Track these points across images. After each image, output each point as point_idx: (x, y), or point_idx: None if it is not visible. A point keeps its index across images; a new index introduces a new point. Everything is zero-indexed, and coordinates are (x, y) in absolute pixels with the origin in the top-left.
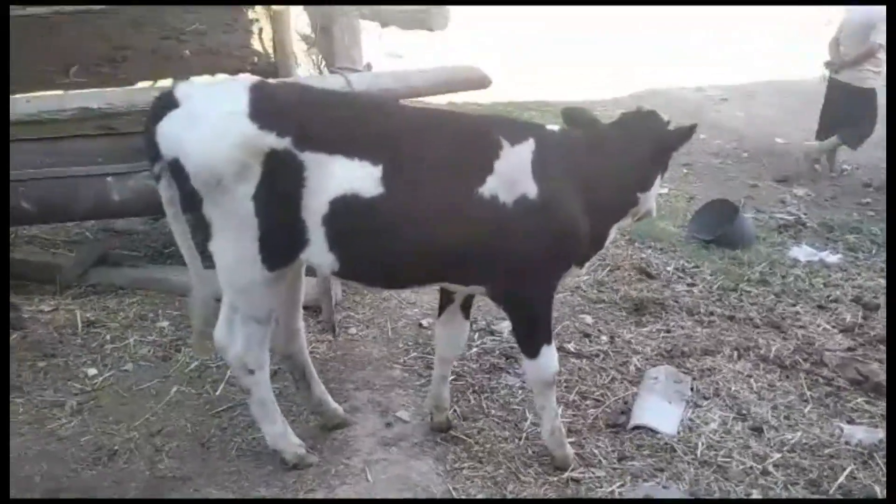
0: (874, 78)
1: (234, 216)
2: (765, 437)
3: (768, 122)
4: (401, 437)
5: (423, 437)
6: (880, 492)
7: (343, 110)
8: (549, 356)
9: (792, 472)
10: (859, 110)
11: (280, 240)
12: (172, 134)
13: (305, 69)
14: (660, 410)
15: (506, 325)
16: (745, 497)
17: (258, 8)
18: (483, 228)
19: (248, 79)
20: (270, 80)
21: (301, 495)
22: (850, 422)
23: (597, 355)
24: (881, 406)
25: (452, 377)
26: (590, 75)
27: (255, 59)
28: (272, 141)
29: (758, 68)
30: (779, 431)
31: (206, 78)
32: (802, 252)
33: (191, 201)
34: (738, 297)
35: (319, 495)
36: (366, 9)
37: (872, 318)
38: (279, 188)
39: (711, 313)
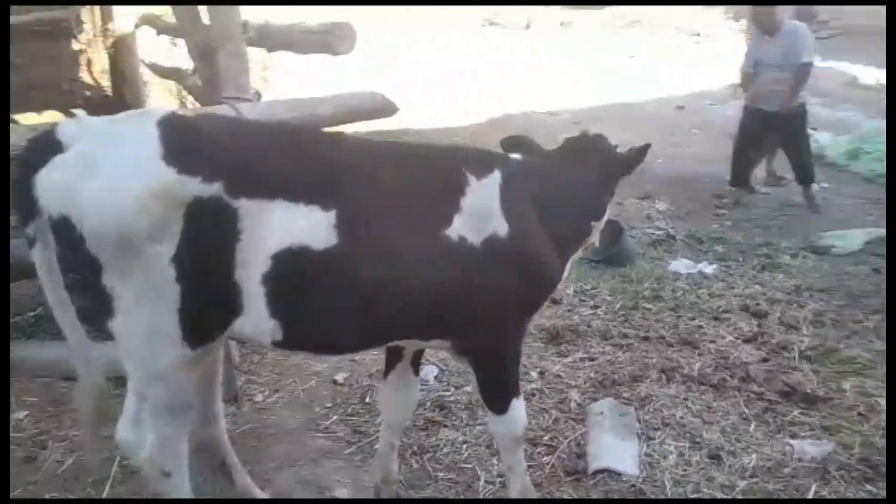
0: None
1: (147, 285)
2: (724, 464)
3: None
4: None
5: None
6: None
7: (283, 145)
8: (519, 410)
9: (760, 496)
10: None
11: (207, 310)
12: (59, 185)
13: (161, 101)
14: (615, 449)
15: (429, 371)
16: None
17: (86, 37)
18: (452, 275)
19: (154, 111)
20: (182, 112)
21: None
22: (794, 436)
23: (533, 394)
24: (816, 416)
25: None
26: (450, 101)
27: (88, 92)
28: (196, 188)
29: (605, 92)
30: (735, 456)
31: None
32: (682, 265)
33: (85, 270)
34: (641, 315)
35: None
36: (254, 32)
37: (766, 326)
38: (206, 245)
39: (625, 335)
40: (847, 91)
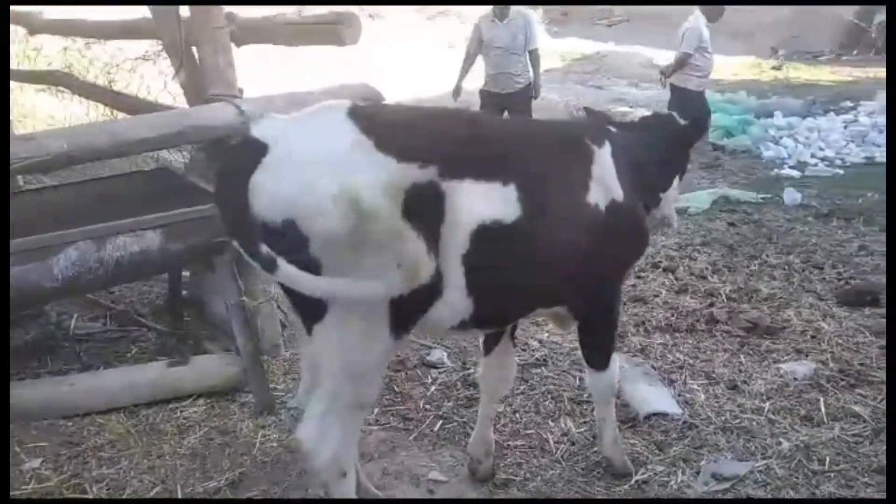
0: (692, 79)
1: (372, 272)
2: (744, 391)
3: None
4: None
5: (478, 493)
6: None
7: (460, 128)
8: (616, 365)
9: (786, 414)
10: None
11: (415, 297)
12: (279, 188)
13: None
14: (655, 394)
15: (440, 354)
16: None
17: None
18: (591, 239)
19: (336, 105)
20: (357, 103)
21: None
22: (776, 361)
23: (545, 361)
24: (783, 343)
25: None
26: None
27: None
28: (415, 174)
29: (438, 83)
30: (748, 384)
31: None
32: None
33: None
34: None
35: None
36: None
37: (683, 278)
38: (419, 229)
39: None
40: (646, 71)
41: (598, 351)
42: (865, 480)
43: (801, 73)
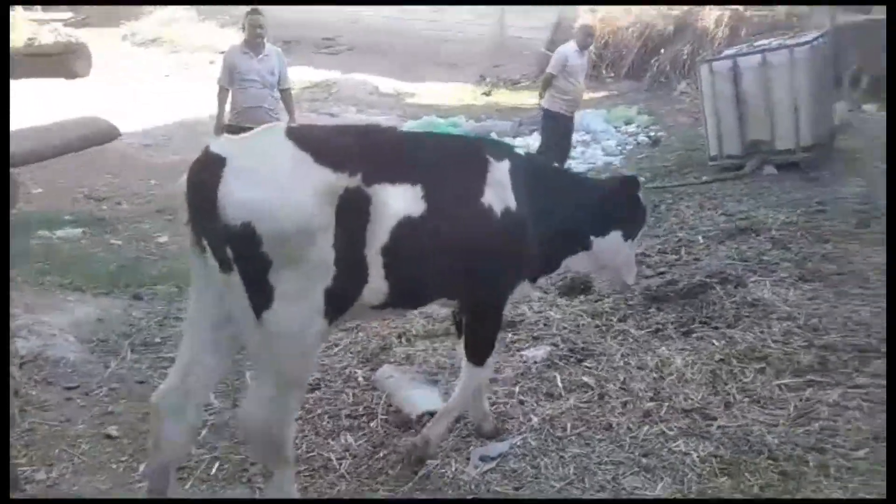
0: (557, 102)
1: (309, 271)
2: (498, 380)
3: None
4: None
5: None
6: None
7: (376, 139)
8: (491, 367)
9: (532, 393)
10: (546, 129)
11: (346, 285)
12: (239, 195)
13: None
14: (423, 396)
15: None
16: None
17: None
18: (483, 236)
19: (274, 127)
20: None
21: None
22: (519, 349)
23: (318, 386)
24: (523, 333)
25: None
26: None
27: None
28: (346, 181)
29: (162, 114)
30: (500, 373)
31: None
32: None
33: (254, 269)
34: None
35: None
36: None
37: None
38: (351, 229)
39: None
40: (373, 98)
41: (479, 347)
42: (599, 437)
43: (507, 97)
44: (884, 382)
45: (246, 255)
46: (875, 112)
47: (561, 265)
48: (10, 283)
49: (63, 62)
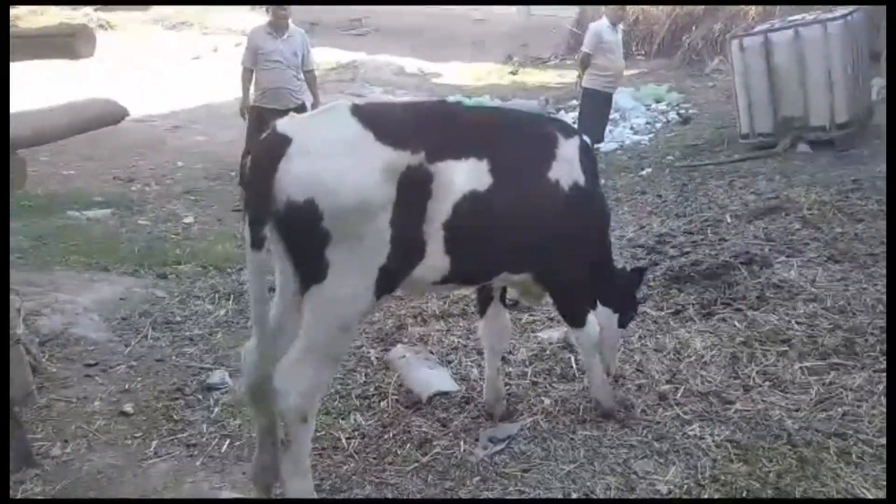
0: (597, 79)
1: (366, 248)
2: (511, 361)
3: (228, 141)
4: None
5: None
6: None
7: (441, 116)
8: (593, 321)
9: (546, 375)
10: (585, 107)
11: (402, 261)
12: (303, 172)
13: None
14: (434, 377)
15: (220, 376)
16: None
17: None
18: (552, 210)
19: (340, 105)
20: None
21: None
22: (535, 331)
23: None
24: (539, 315)
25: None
26: None
27: None
28: (408, 158)
29: (187, 94)
30: (514, 354)
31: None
32: None
33: (312, 244)
34: None
35: None
36: None
37: None
38: (410, 206)
39: None
40: (399, 79)
41: (572, 313)
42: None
43: (534, 76)
44: None
45: (306, 230)
46: None
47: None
48: (41, 263)
49: (64, 44)
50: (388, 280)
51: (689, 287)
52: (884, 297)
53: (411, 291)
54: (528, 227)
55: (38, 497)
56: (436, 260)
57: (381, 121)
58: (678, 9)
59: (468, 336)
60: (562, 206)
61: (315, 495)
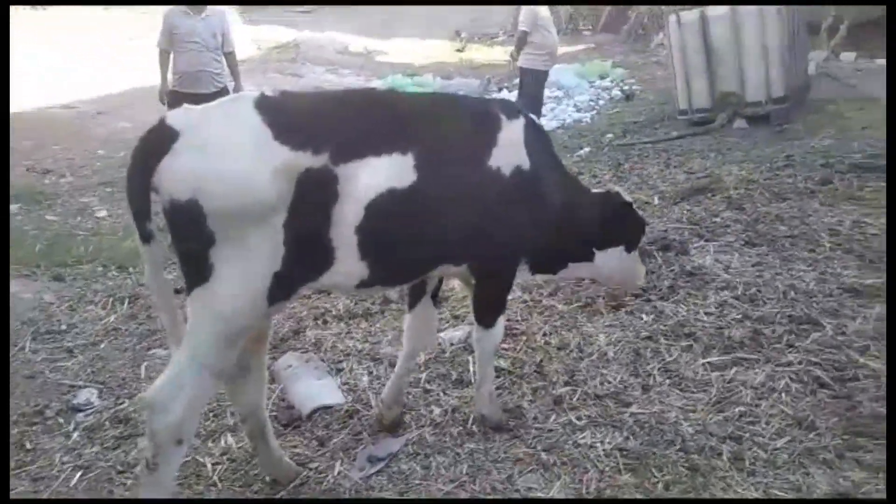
0: (536, 58)
1: (255, 251)
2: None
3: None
4: None
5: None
6: None
7: (359, 108)
8: (501, 325)
9: (441, 380)
10: (527, 87)
11: (298, 267)
12: (186, 169)
13: None
14: (318, 389)
15: (86, 395)
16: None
17: None
18: (491, 200)
19: (245, 96)
20: (267, 93)
21: None
22: (439, 330)
23: None
24: (446, 311)
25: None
26: None
27: None
28: (308, 160)
29: (120, 79)
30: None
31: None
32: None
33: (197, 244)
34: None
35: None
36: None
37: None
38: (311, 209)
39: None
40: (342, 58)
41: (488, 309)
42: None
43: (482, 53)
44: (815, 359)
45: (190, 230)
46: (853, 60)
47: (567, 268)
48: None
49: None
50: (284, 287)
51: None
52: (795, 282)
53: (337, 294)
54: (464, 220)
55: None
56: (350, 266)
57: (284, 117)
58: None
59: (366, 339)
60: (505, 194)
61: None
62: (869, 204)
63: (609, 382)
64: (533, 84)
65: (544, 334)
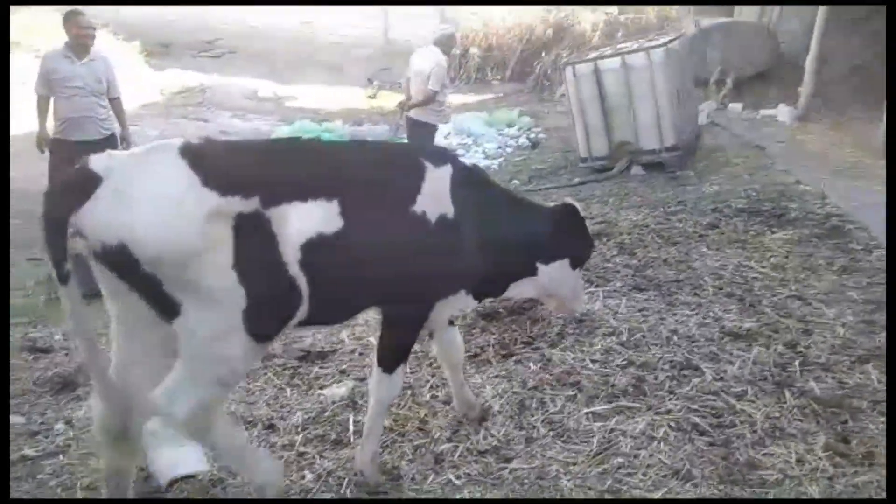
0: (434, 114)
1: (211, 291)
2: (280, 429)
3: (42, 174)
4: None
5: None
6: None
7: (285, 156)
8: (401, 376)
9: (318, 442)
10: (418, 139)
11: (272, 304)
12: (111, 215)
13: None
14: (180, 457)
15: None
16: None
17: None
18: (412, 245)
19: (169, 143)
20: (191, 141)
21: None
22: (322, 387)
23: (68, 445)
24: (331, 367)
25: None
26: None
27: None
28: (238, 205)
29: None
30: (285, 420)
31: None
32: None
33: (144, 285)
34: None
35: None
36: None
37: None
38: (255, 250)
39: None
40: (249, 103)
41: (391, 354)
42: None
43: (393, 101)
44: (694, 406)
45: (131, 272)
46: (740, 111)
47: (507, 289)
48: None
49: None
50: (262, 324)
51: (494, 325)
52: (678, 327)
53: None
54: (388, 264)
55: None
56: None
57: (212, 163)
58: (530, 35)
59: (243, 399)
60: (429, 240)
61: (275, 465)
62: (752, 247)
63: (493, 436)
64: (427, 137)
65: (431, 387)
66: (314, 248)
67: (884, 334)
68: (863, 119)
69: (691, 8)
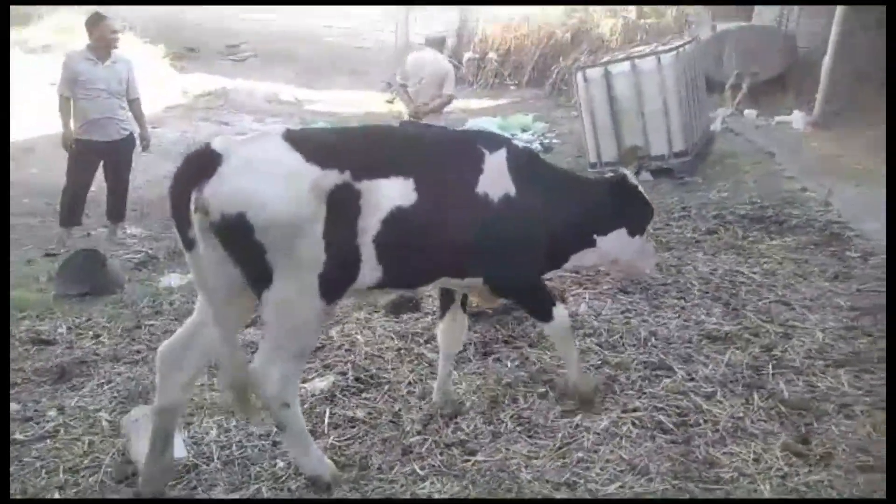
0: (443, 119)
1: (302, 257)
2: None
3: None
4: None
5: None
6: None
7: (368, 138)
8: (561, 311)
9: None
10: None
11: (340, 270)
12: (234, 189)
13: None
14: None
15: None
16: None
17: None
18: (480, 221)
19: (272, 130)
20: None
21: None
22: (305, 381)
23: (56, 431)
24: (317, 362)
25: None
26: None
27: None
28: (335, 178)
29: (33, 124)
30: None
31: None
32: (174, 279)
33: (250, 253)
34: (147, 332)
35: None
36: None
37: None
38: (342, 221)
39: (137, 351)
40: (270, 106)
41: (536, 310)
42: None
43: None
44: (661, 405)
45: (242, 240)
46: (755, 117)
47: (568, 260)
48: None
49: None
50: (331, 288)
51: (481, 324)
52: (658, 329)
53: (354, 296)
54: (458, 238)
55: None
56: (370, 269)
57: (310, 144)
58: (547, 39)
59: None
60: (495, 216)
61: (327, 464)
62: (747, 253)
63: (462, 430)
64: None
65: (409, 383)
66: (394, 220)
67: (863, 340)
68: (878, 125)
69: (710, 10)
